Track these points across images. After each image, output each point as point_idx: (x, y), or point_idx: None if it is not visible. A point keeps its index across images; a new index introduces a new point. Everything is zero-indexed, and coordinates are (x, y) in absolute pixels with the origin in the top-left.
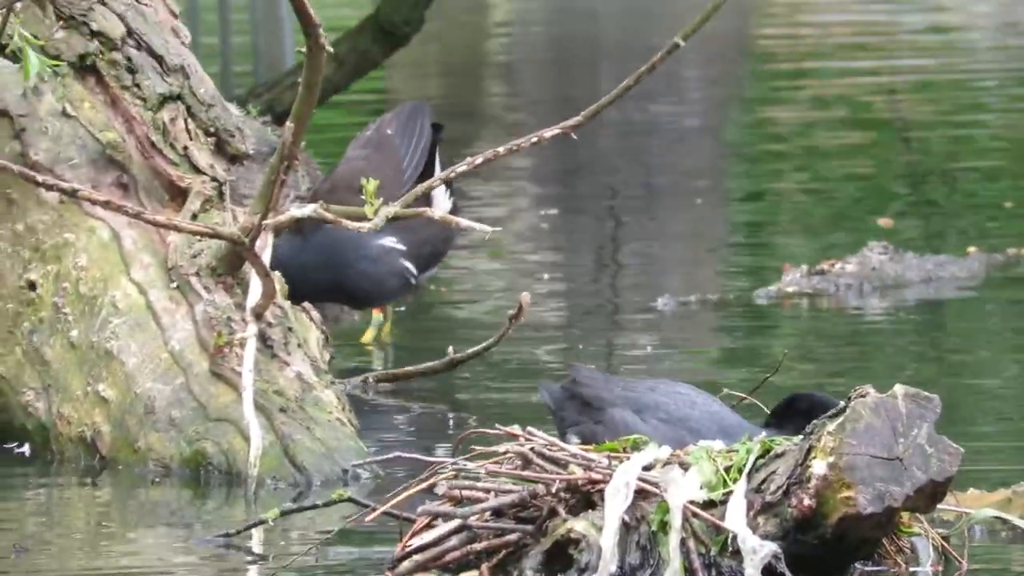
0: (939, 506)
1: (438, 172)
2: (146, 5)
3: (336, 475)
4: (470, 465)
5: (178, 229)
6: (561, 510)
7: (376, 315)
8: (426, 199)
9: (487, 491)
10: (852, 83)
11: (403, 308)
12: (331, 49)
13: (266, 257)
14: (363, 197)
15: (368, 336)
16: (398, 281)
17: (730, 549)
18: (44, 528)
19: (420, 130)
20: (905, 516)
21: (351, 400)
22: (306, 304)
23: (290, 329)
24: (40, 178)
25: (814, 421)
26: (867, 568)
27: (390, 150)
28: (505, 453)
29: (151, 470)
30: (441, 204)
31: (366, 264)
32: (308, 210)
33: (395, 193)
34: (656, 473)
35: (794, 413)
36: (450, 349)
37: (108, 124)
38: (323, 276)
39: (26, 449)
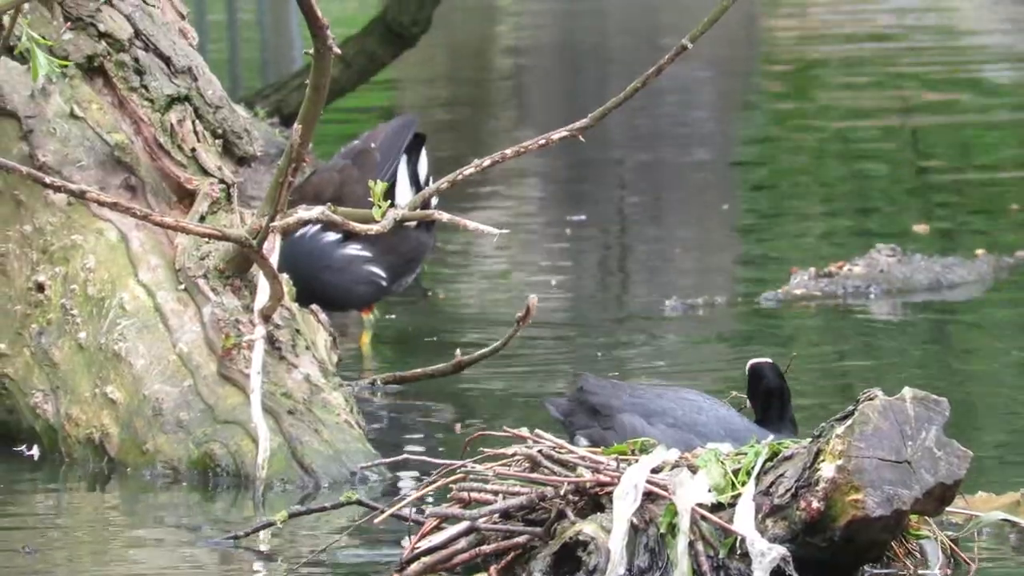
0: (948, 509)
1: (423, 178)
2: (153, 6)
3: (344, 477)
4: (479, 467)
5: (186, 231)
6: (569, 512)
7: (366, 317)
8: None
9: (495, 493)
10: (860, 83)
11: (411, 310)
12: (339, 51)
13: (274, 259)
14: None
15: (365, 339)
16: (367, 288)
17: (738, 552)
18: (53, 529)
19: (400, 146)
20: (914, 519)
21: (359, 402)
22: (314, 306)
23: (298, 331)
24: (48, 179)
25: (822, 424)
26: (876, 571)
27: (369, 164)
28: (513, 455)
29: (159, 472)
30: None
31: (330, 274)
32: (316, 212)
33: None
34: (664, 476)
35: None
36: (457, 351)
37: (116, 126)
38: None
39: (35, 451)
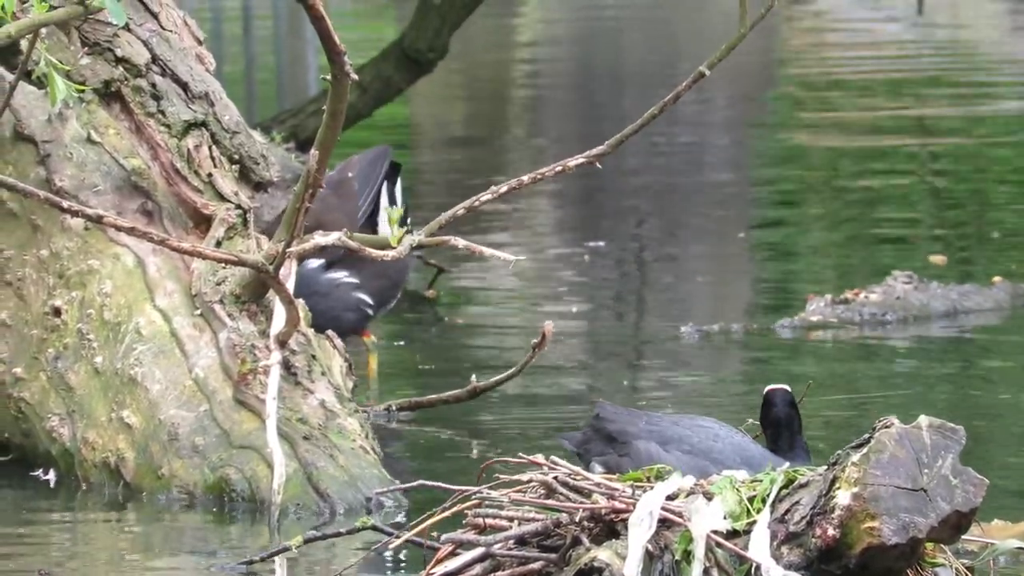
0: (964, 537)
1: (399, 205)
2: (171, 32)
3: (359, 503)
4: (494, 494)
5: (202, 256)
6: (584, 539)
7: (368, 340)
8: (372, 226)
9: (511, 519)
10: (876, 107)
11: (427, 336)
12: (356, 76)
13: (290, 285)
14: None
15: (372, 364)
16: (355, 315)
17: None
18: (69, 554)
19: (378, 175)
20: (929, 547)
21: (374, 428)
22: (330, 332)
23: (314, 357)
24: (65, 204)
25: (838, 452)
26: None
27: (347, 193)
28: (529, 482)
29: (175, 496)
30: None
31: (317, 299)
32: (332, 238)
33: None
34: (680, 503)
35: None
36: (473, 377)
37: (133, 151)
38: None
39: (51, 475)
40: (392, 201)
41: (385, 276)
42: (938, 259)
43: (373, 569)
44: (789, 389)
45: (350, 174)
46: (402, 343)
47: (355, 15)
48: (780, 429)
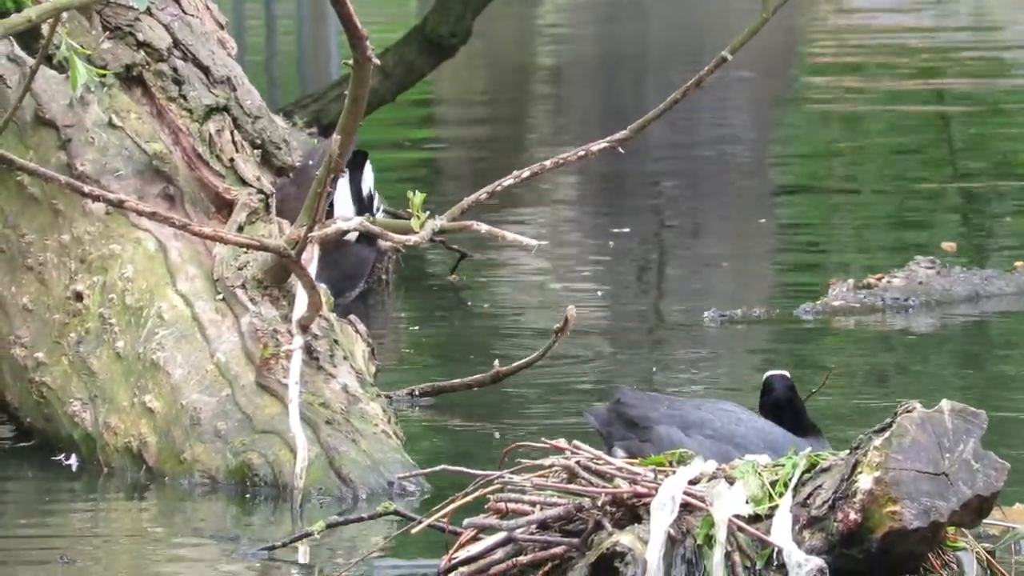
0: (985, 521)
1: (366, 193)
2: (193, 16)
3: (382, 487)
4: (516, 478)
5: (224, 241)
6: (607, 523)
7: None
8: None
9: (533, 504)
10: (899, 93)
11: (450, 321)
12: (378, 61)
13: (312, 269)
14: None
15: None
16: None
17: (775, 563)
18: (90, 539)
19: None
20: (951, 531)
21: (397, 413)
22: (352, 316)
23: (336, 341)
24: (87, 189)
25: (860, 436)
26: None
27: (307, 182)
28: (551, 466)
29: (197, 481)
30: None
31: None
32: (354, 223)
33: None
34: (702, 487)
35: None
36: (495, 362)
37: (154, 135)
38: None
39: (73, 460)
40: (357, 190)
41: (336, 267)
42: (949, 246)
43: (396, 554)
44: (788, 375)
45: (310, 162)
46: (425, 328)
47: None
48: (782, 413)
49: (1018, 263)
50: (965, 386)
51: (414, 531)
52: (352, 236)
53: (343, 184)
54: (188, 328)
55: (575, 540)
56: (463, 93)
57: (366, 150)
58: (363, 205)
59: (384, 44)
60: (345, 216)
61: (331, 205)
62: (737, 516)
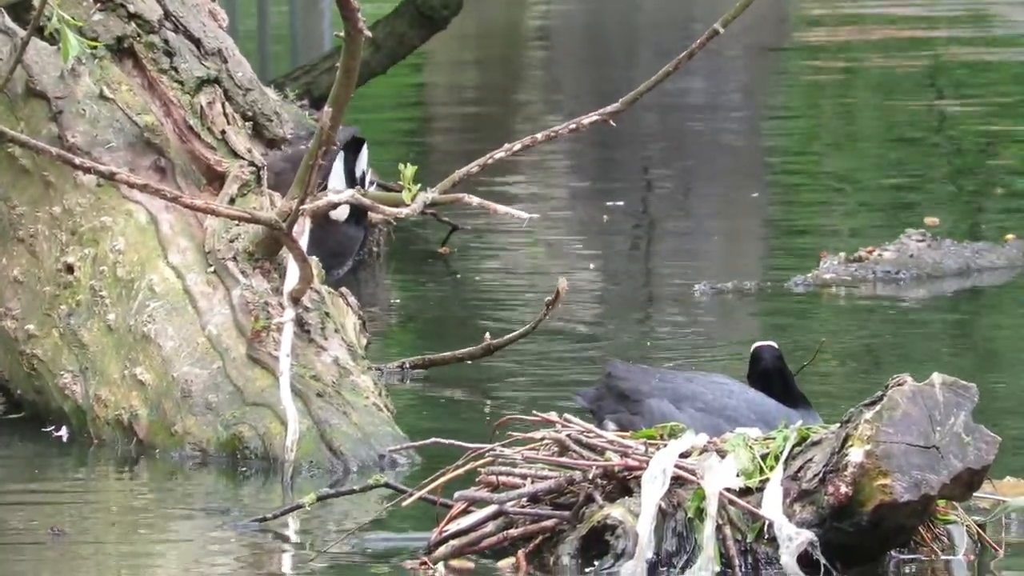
0: (975, 494)
1: (359, 175)
2: None
3: (373, 460)
4: (507, 451)
5: (215, 213)
6: (598, 496)
7: None
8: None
9: (524, 477)
10: (891, 65)
11: (440, 293)
12: (370, 34)
13: (304, 242)
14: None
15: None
16: None
17: (766, 536)
18: (81, 511)
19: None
20: (941, 504)
21: (388, 386)
22: (344, 289)
23: (327, 314)
24: (78, 160)
25: (851, 409)
26: (903, 556)
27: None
28: (542, 439)
29: (188, 454)
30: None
31: None
32: (346, 195)
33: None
34: (693, 460)
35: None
36: (487, 335)
37: (145, 107)
38: None
39: (64, 433)
40: (351, 171)
41: (323, 245)
42: (931, 220)
43: (386, 527)
44: (776, 345)
45: (302, 147)
46: (416, 300)
47: None
48: (771, 383)
49: (1009, 236)
50: (956, 359)
51: (405, 504)
52: (342, 215)
53: (338, 165)
54: (179, 300)
55: (566, 513)
56: (452, 63)
57: (363, 136)
58: (355, 184)
59: (376, 16)
60: (336, 189)
61: (324, 186)
62: (728, 489)
